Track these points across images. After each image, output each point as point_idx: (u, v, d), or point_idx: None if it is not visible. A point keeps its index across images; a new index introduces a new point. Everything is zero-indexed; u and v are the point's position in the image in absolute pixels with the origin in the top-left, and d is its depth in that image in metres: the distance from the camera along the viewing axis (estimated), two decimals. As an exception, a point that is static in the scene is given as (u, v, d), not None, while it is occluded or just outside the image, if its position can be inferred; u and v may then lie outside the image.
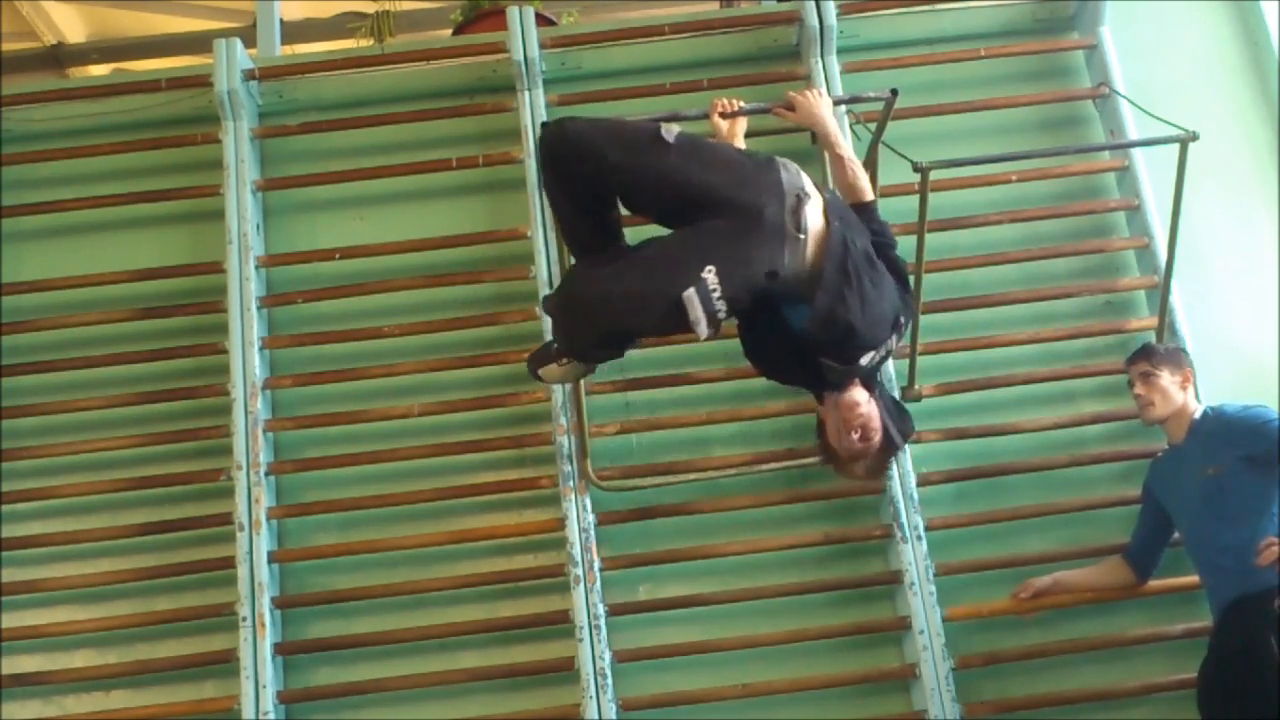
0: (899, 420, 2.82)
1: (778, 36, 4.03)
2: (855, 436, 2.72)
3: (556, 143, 2.68)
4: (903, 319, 2.78)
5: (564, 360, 2.81)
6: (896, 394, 3.59)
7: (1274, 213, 3.93)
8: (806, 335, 2.67)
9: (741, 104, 3.08)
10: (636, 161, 2.63)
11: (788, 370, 2.90)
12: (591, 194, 2.71)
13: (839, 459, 2.82)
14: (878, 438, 2.74)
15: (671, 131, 2.65)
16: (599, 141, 2.65)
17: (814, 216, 2.64)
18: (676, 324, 2.58)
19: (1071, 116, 3.98)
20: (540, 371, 2.86)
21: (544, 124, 2.81)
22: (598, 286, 2.65)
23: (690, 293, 2.52)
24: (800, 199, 2.62)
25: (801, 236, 2.60)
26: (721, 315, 2.57)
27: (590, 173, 2.66)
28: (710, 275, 2.52)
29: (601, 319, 2.63)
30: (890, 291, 2.72)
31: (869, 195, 2.94)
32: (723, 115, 3.04)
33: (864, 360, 2.70)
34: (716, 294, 2.53)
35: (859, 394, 2.73)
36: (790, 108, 3.05)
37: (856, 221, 2.78)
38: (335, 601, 3.58)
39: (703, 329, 2.55)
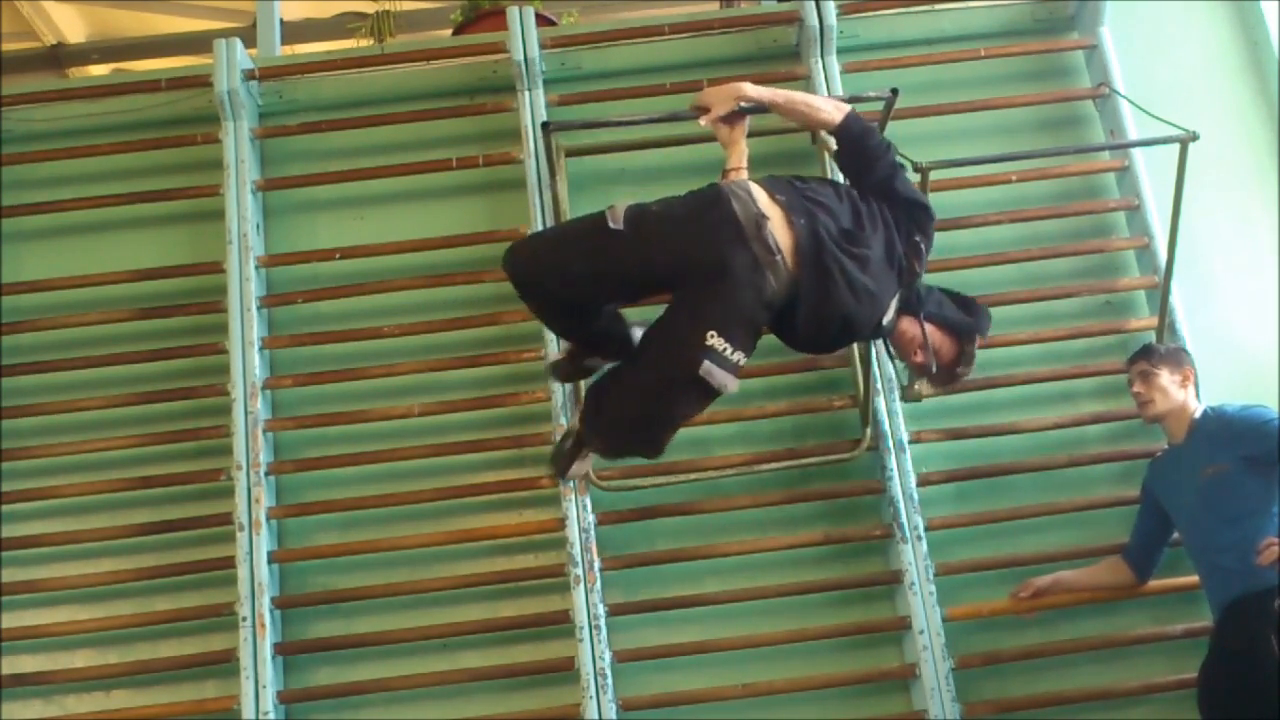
0: (967, 311, 2.85)
1: (778, 36, 4.03)
2: (919, 358, 2.79)
3: (516, 271, 2.70)
4: (919, 242, 2.77)
5: (586, 454, 2.85)
6: (897, 395, 3.60)
7: (1274, 213, 3.93)
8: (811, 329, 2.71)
9: (743, 105, 3.07)
10: (596, 265, 2.64)
11: (826, 345, 2.92)
12: (571, 307, 2.73)
13: (923, 375, 2.89)
14: (946, 347, 2.80)
15: (617, 215, 2.63)
16: (555, 258, 2.70)
17: (780, 231, 2.62)
18: (708, 395, 2.61)
19: (1071, 116, 3.98)
20: (570, 473, 2.89)
21: (505, 255, 2.76)
22: (629, 401, 2.67)
23: (706, 365, 2.55)
24: (760, 223, 2.60)
25: (777, 256, 2.61)
26: (742, 361, 2.61)
27: (560, 290, 2.69)
28: (714, 339, 2.55)
29: (649, 427, 2.67)
30: (883, 248, 2.70)
31: (834, 115, 2.86)
32: (723, 118, 3.02)
33: (885, 320, 2.74)
34: (728, 350, 2.56)
35: (904, 324, 2.79)
36: (705, 109, 2.97)
37: (823, 196, 2.73)
38: (335, 601, 3.58)
39: (732, 386, 2.59)
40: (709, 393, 2.60)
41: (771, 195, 2.67)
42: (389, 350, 3.78)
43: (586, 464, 2.88)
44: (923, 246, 2.78)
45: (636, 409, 2.66)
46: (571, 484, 3.53)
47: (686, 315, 2.60)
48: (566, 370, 2.97)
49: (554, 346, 3.62)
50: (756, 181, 2.72)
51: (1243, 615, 2.99)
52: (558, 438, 3.04)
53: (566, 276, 2.66)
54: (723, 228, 2.60)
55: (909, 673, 3.45)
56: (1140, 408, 3.31)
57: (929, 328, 2.78)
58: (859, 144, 2.84)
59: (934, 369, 2.79)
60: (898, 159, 2.85)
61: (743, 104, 3.00)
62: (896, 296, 2.75)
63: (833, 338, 2.79)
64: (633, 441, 2.74)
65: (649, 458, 2.84)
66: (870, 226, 2.71)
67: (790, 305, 2.68)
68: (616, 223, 2.62)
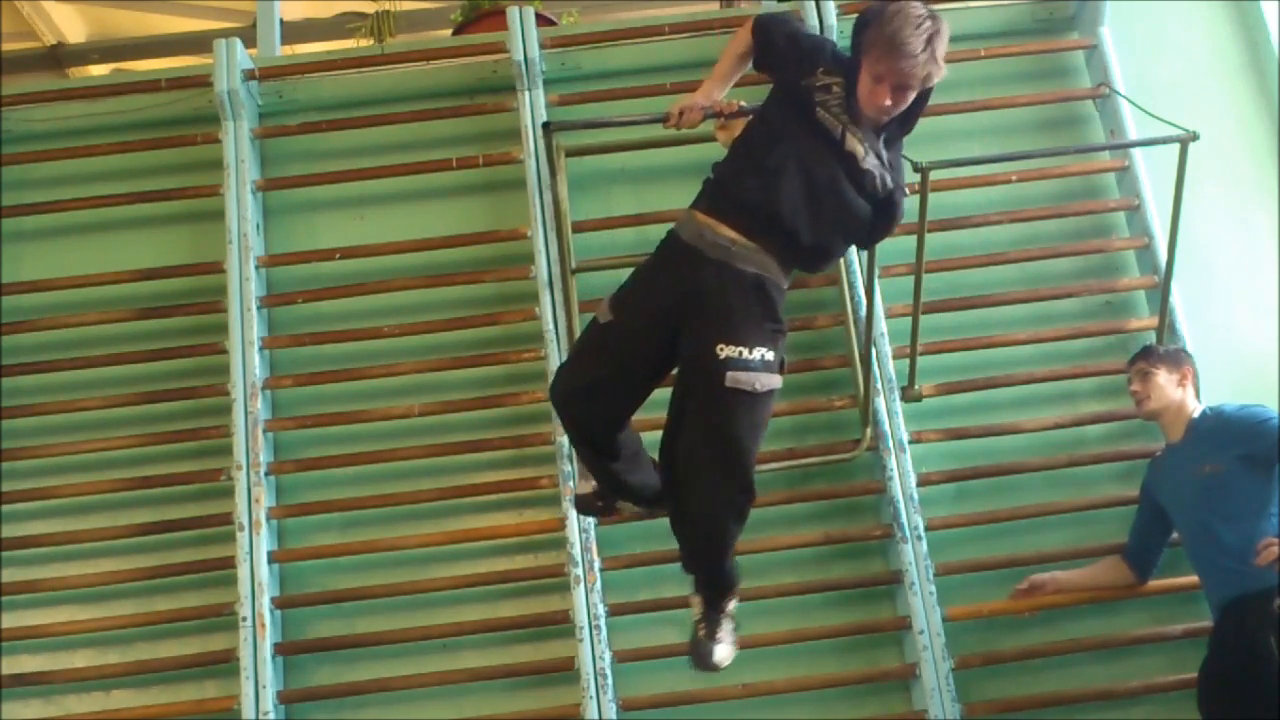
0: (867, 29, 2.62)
1: (778, 37, 4.02)
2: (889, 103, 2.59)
3: (557, 397, 2.73)
4: (816, 81, 2.63)
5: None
6: (897, 395, 3.60)
7: (1274, 213, 3.93)
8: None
9: (742, 104, 3.07)
10: (612, 362, 2.65)
11: (864, 239, 2.87)
12: (605, 425, 2.72)
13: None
14: (867, 87, 2.58)
15: (604, 309, 2.68)
16: (581, 374, 2.67)
17: (720, 228, 2.61)
18: (754, 402, 2.57)
19: (1071, 116, 3.98)
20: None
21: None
22: (695, 459, 2.61)
23: (731, 375, 2.53)
24: (703, 234, 2.61)
25: (733, 248, 2.60)
26: (769, 356, 2.59)
27: (594, 406, 2.69)
28: (724, 349, 2.53)
29: (729, 467, 2.59)
30: (798, 147, 2.60)
31: (741, 41, 2.86)
32: (724, 115, 3.04)
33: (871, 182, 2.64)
34: (744, 352, 2.54)
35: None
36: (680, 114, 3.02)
37: (729, 163, 2.71)
38: (335, 601, 3.58)
39: (769, 383, 2.58)
40: (752, 400, 2.55)
41: (699, 205, 2.70)
42: (389, 350, 3.78)
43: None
44: (820, 71, 2.63)
45: (712, 453, 2.57)
46: (571, 483, 3.53)
47: (692, 350, 2.59)
48: (591, 504, 2.98)
49: (554, 346, 3.63)
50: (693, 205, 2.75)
51: (1242, 615, 2.99)
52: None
53: (595, 387, 2.64)
54: (683, 259, 2.63)
55: (909, 673, 3.45)
56: (1137, 405, 3.33)
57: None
58: (769, 48, 2.79)
59: (891, 109, 2.57)
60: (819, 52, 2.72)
61: (743, 105, 3.02)
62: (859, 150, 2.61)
63: (851, 237, 2.75)
64: (727, 491, 2.61)
65: (750, 500, 2.67)
66: (774, 139, 2.64)
67: (794, 258, 2.67)
68: (605, 315, 2.67)
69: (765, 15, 2.91)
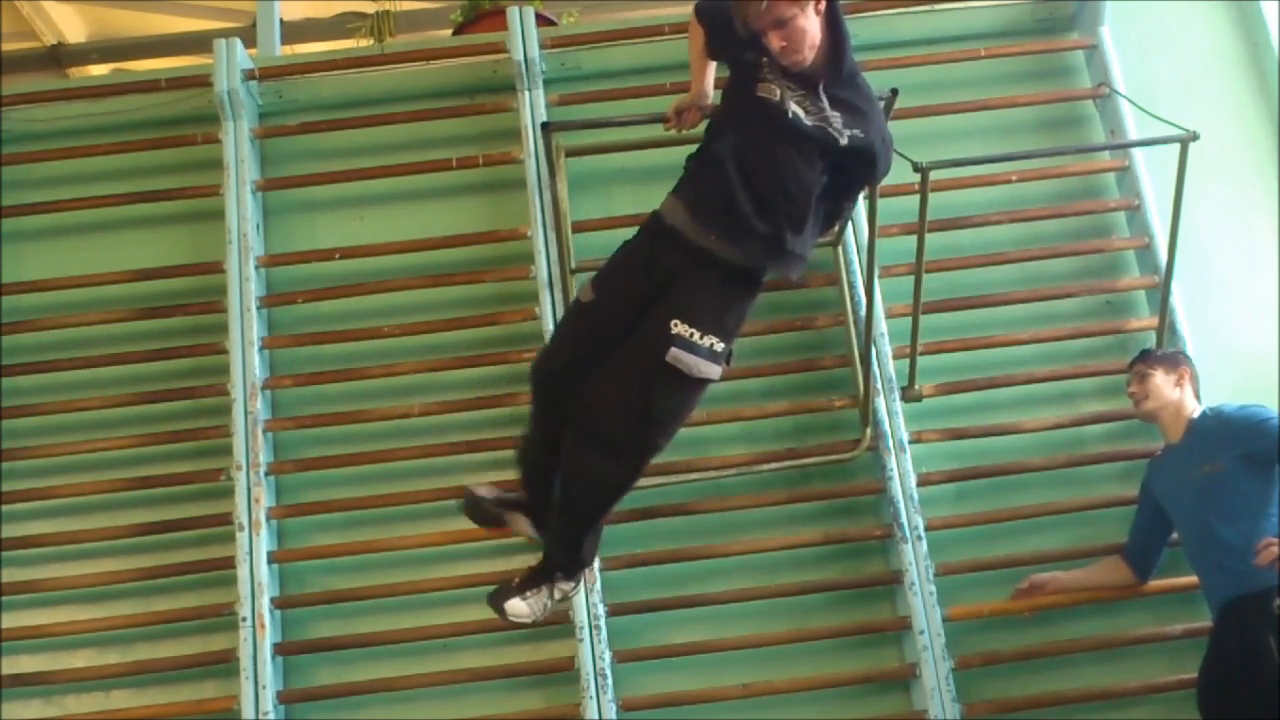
0: None
1: (778, 36, 4.02)
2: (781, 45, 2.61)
3: (539, 376, 2.81)
4: (755, 57, 2.66)
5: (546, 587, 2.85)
6: (897, 395, 3.59)
7: (1274, 212, 3.93)
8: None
9: None
10: (590, 339, 2.72)
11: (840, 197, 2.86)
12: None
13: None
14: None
15: (586, 290, 2.76)
16: (562, 352, 2.78)
17: (688, 216, 2.67)
18: (686, 386, 2.64)
19: (1071, 116, 3.98)
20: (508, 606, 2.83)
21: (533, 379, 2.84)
22: (611, 409, 2.66)
23: (673, 351, 2.59)
24: (682, 220, 2.68)
25: (712, 235, 2.65)
26: (719, 347, 2.64)
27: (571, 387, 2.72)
28: (678, 326, 2.60)
29: (633, 428, 2.65)
30: (746, 128, 2.67)
31: (695, 34, 2.93)
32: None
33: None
34: (696, 335, 2.60)
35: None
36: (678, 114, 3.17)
37: (695, 161, 2.77)
38: (335, 602, 3.58)
39: (706, 371, 2.63)
40: (683, 382, 2.60)
41: (681, 196, 2.75)
42: (389, 350, 3.77)
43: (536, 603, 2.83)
44: (756, 44, 2.64)
45: (619, 413, 2.62)
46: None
47: (651, 315, 2.65)
48: (485, 510, 3.00)
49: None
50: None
51: (1241, 615, 3.00)
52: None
53: (574, 367, 2.71)
54: (666, 240, 2.70)
55: (909, 673, 3.45)
56: (1135, 405, 3.34)
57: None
58: (712, 35, 2.84)
59: (790, 50, 2.57)
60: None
61: (707, 112, 3.09)
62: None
63: (803, 211, 2.70)
64: (623, 451, 2.66)
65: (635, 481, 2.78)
66: (717, 133, 2.73)
67: (760, 250, 2.69)
68: (587, 295, 2.75)
69: (702, 2, 2.89)
